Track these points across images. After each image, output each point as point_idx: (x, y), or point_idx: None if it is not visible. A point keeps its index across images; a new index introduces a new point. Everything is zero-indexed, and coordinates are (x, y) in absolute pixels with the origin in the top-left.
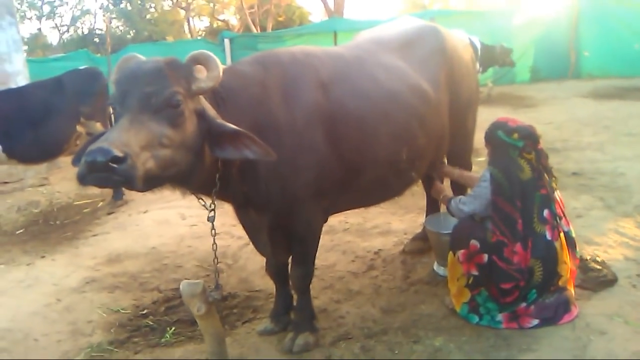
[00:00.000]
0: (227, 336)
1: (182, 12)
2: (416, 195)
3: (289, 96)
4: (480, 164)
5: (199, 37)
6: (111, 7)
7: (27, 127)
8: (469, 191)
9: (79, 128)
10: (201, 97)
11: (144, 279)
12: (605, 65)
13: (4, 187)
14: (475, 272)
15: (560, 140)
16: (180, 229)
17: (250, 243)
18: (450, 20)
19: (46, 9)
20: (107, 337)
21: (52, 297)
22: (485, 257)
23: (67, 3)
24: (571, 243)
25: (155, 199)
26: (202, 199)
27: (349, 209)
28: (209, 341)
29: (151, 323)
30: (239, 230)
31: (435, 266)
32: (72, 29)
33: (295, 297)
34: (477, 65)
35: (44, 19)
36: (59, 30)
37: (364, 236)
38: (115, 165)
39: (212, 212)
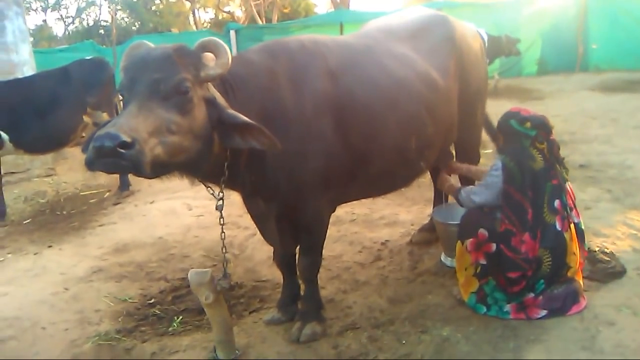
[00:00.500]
0: (234, 325)
1: (188, 4)
2: (423, 186)
3: (297, 84)
4: (487, 156)
5: (204, 29)
6: None
7: (33, 117)
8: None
9: (85, 118)
10: (210, 85)
11: (150, 268)
12: (613, 58)
13: (10, 178)
14: (483, 261)
15: (567, 132)
16: (186, 219)
17: (257, 233)
18: (456, 12)
19: (51, 0)
20: (115, 326)
21: (59, 286)
22: (494, 246)
23: None
24: (581, 235)
25: (161, 189)
26: (210, 188)
27: (357, 199)
28: (216, 330)
29: (158, 312)
30: (246, 221)
31: (443, 257)
32: (77, 21)
33: (302, 287)
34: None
35: (49, 10)
36: (64, 22)
37: (371, 227)
38: (123, 151)
39: (221, 200)
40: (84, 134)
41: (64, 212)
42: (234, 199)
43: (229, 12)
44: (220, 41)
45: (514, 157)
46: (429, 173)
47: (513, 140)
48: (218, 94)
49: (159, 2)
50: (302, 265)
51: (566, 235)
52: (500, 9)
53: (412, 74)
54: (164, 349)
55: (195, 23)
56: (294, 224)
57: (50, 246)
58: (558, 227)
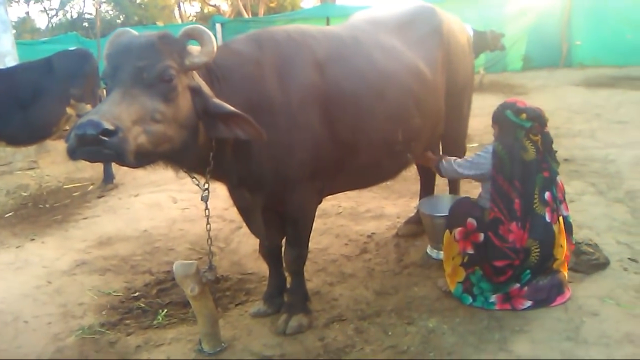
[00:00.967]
0: (219, 318)
1: None
2: (409, 180)
3: (284, 75)
4: (473, 150)
5: (189, 22)
6: None
7: (15, 108)
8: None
9: (68, 110)
10: (196, 74)
11: (135, 261)
12: (597, 55)
13: None
14: (470, 251)
15: (551, 127)
16: (171, 212)
17: (243, 226)
18: (442, 7)
19: None
20: (99, 319)
21: (42, 279)
22: (482, 235)
23: None
24: (568, 228)
25: (146, 182)
26: (195, 179)
27: (344, 191)
28: (201, 322)
29: (143, 305)
30: (231, 214)
31: (429, 249)
32: (60, 13)
33: (288, 279)
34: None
35: (32, 2)
36: (48, 14)
37: (357, 220)
38: (105, 139)
39: (206, 191)
40: (67, 127)
41: (47, 205)
42: (219, 193)
43: (215, 6)
44: (206, 29)
45: (506, 146)
46: (415, 166)
47: (507, 131)
48: (203, 82)
49: None
50: (288, 258)
51: (555, 227)
52: (486, 5)
53: (399, 65)
54: (148, 342)
55: (181, 16)
56: (280, 215)
57: (33, 239)
58: (547, 218)
